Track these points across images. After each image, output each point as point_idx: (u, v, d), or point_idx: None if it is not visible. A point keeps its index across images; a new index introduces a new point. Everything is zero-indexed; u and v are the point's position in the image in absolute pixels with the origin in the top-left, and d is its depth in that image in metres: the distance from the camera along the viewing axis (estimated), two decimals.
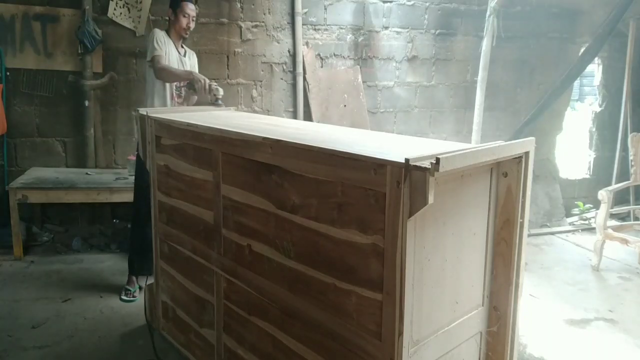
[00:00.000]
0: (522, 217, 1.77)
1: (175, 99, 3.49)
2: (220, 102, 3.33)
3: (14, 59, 4.19)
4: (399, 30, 5.12)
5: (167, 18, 3.53)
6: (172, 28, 3.45)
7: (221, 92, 3.33)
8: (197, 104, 3.56)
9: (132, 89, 4.47)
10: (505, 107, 5.52)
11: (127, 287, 3.44)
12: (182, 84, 3.49)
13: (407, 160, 1.39)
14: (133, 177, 3.96)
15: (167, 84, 3.42)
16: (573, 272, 4.14)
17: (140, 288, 3.46)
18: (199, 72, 3.53)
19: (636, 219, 5.23)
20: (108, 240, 4.31)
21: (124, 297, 3.37)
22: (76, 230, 4.40)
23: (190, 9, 3.41)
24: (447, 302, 1.69)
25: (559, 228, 5.25)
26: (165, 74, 3.32)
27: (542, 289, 3.79)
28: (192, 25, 3.47)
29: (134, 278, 3.48)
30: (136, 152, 3.53)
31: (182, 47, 3.57)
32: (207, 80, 3.30)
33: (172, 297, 2.77)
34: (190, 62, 3.58)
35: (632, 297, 3.71)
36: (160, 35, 3.36)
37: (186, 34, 3.48)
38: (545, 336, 3.09)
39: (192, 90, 3.45)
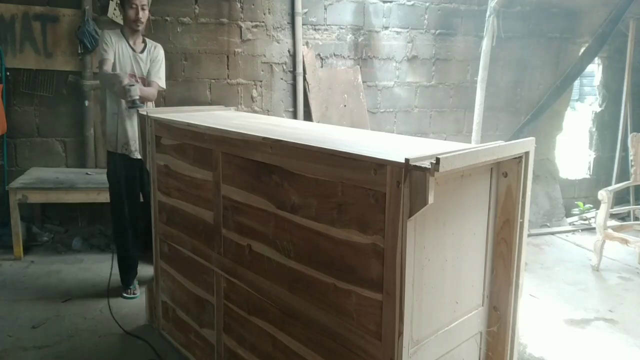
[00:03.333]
0: (522, 217, 1.77)
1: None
2: (137, 103, 2.98)
3: (14, 59, 4.19)
4: (399, 30, 5.12)
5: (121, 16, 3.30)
6: (125, 24, 3.28)
7: (135, 92, 2.98)
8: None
9: None
10: (505, 107, 5.52)
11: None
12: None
13: (407, 160, 1.39)
14: None
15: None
16: (573, 272, 4.14)
17: (139, 284, 3.46)
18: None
19: (636, 219, 5.23)
20: (108, 240, 4.31)
21: (124, 295, 3.38)
22: (76, 230, 4.40)
23: None
24: (447, 302, 1.69)
25: (559, 228, 5.25)
26: (100, 80, 3.11)
27: (542, 289, 3.79)
28: (143, 15, 3.19)
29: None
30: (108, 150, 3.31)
31: (143, 42, 3.32)
32: (125, 81, 3.01)
33: (172, 297, 2.77)
34: (148, 58, 3.30)
35: (632, 297, 3.70)
36: (107, 36, 3.18)
37: (137, 26, 3.20)
38: (545, 336, 3.09)
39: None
